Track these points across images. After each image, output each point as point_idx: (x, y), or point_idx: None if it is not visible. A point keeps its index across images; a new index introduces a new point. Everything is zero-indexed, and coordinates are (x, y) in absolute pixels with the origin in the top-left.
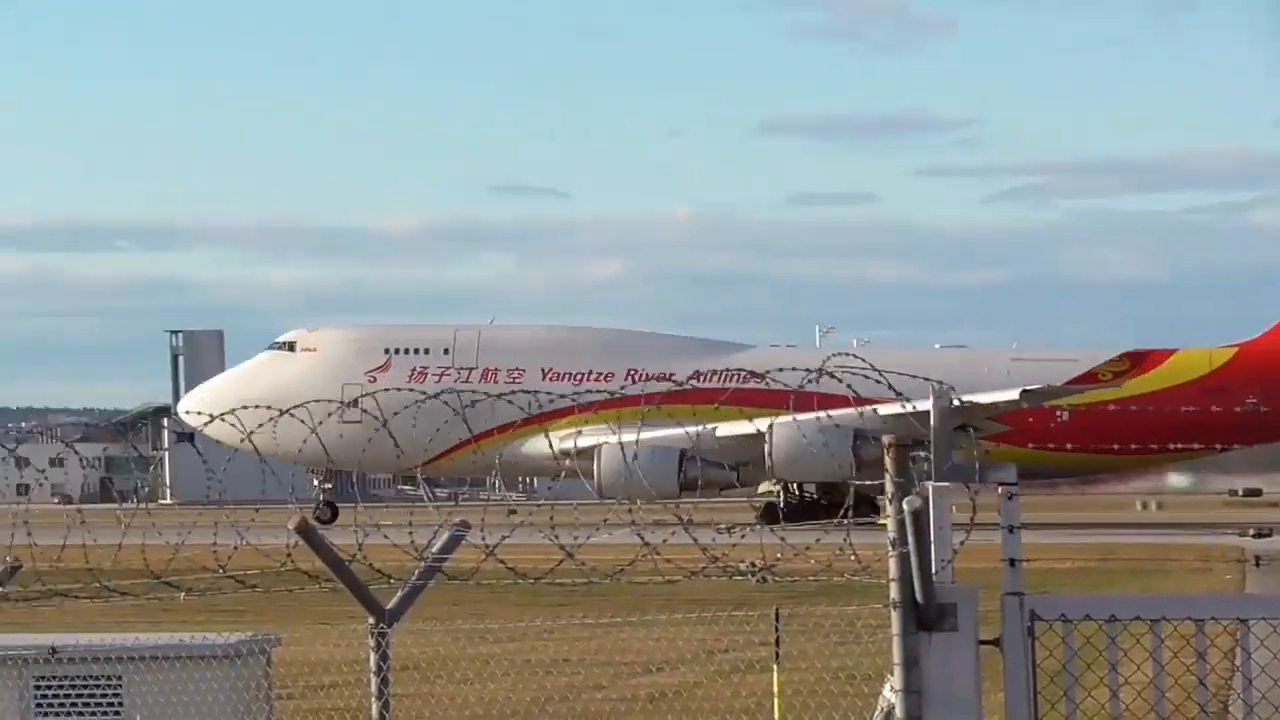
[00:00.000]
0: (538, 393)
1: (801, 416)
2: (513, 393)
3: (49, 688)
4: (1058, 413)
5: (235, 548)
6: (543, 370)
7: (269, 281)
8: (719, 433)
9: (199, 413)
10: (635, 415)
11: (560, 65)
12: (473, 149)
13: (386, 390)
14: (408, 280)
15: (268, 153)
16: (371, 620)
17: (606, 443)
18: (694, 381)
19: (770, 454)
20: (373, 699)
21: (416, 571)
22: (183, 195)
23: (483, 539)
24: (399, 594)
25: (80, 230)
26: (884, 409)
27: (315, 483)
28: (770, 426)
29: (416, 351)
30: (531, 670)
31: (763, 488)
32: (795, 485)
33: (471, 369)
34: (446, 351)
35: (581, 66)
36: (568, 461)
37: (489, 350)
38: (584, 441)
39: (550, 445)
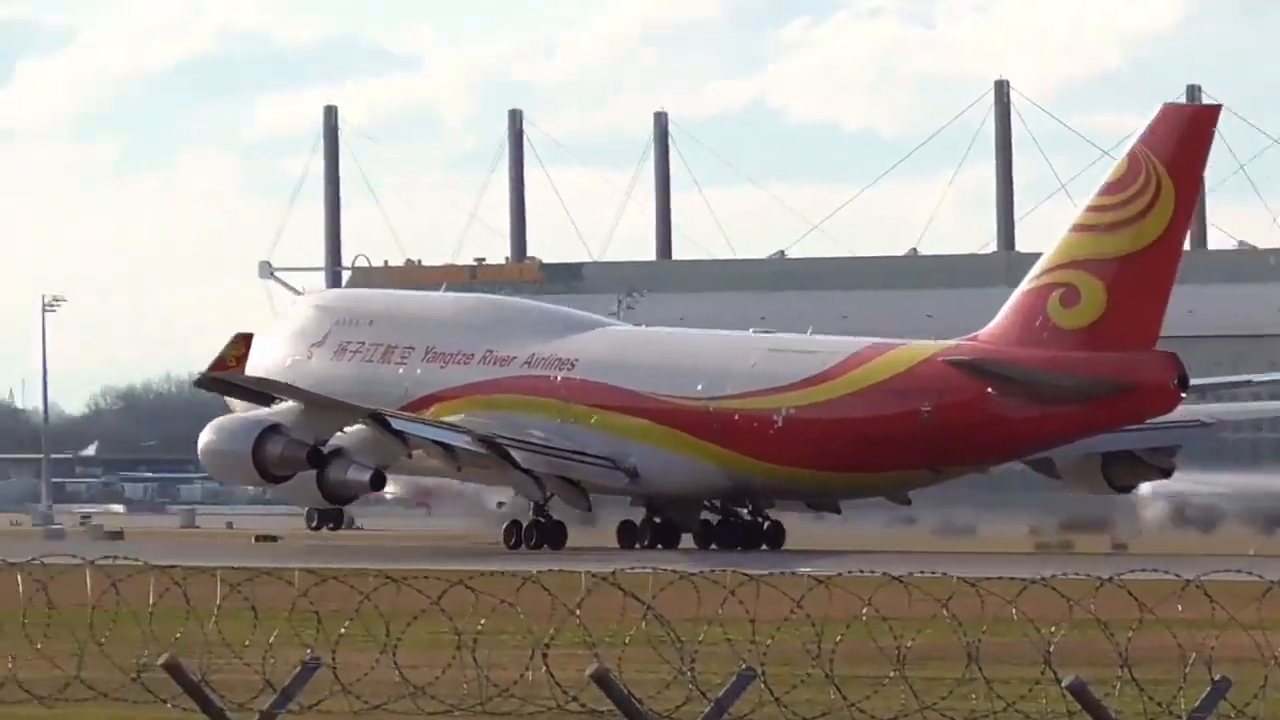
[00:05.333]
0: None
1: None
2: None
3: None
4: (774, 416)
5: None
6: (427, 349)
7: None
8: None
9: None
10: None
11: None
12: None
13: None
14: None
15: None
16: None
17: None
18: (526, 367)
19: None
20: None
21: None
22: None
23: None
24: None
25: None
26: (289, 404)
27: None
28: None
29: (355, 323)
30: None
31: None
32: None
33: (379, 345)
34: (372, 323)
35: None
36: None
37: (399, 325)
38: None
39: None
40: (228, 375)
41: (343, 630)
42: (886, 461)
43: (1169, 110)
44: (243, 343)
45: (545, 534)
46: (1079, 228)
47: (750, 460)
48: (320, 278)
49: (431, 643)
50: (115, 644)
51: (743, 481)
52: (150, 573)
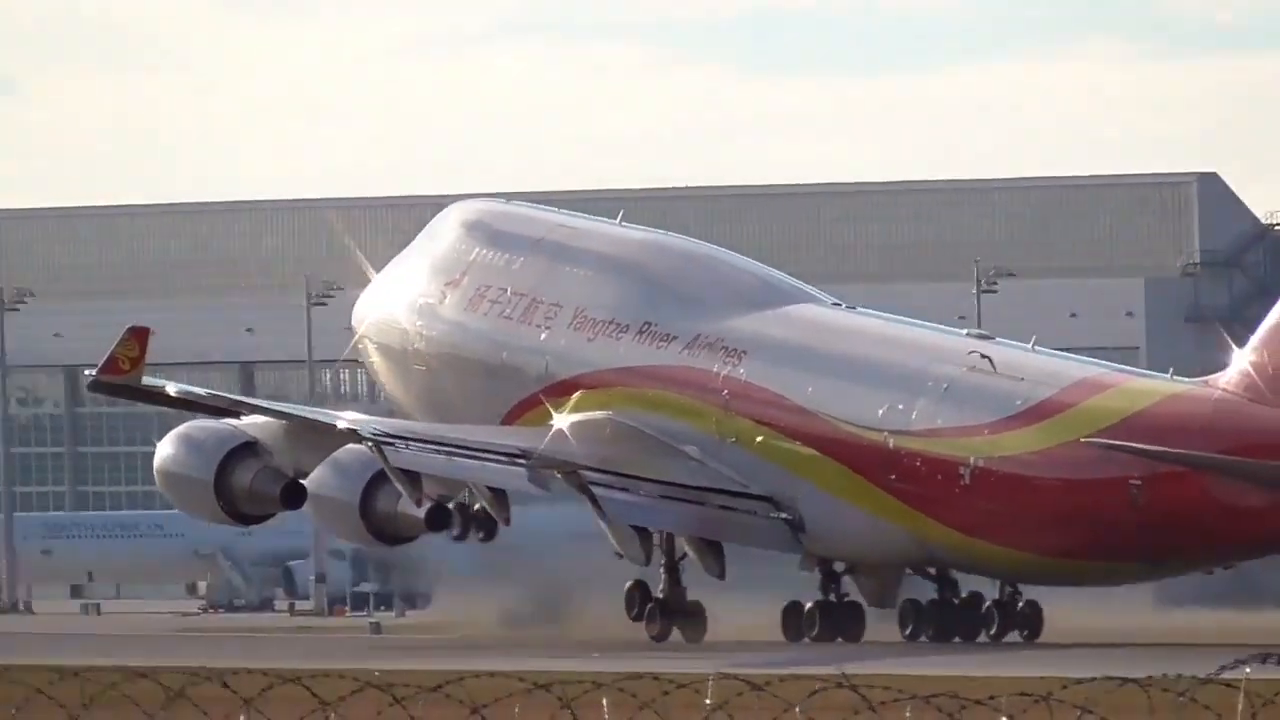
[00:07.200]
0: None
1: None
2: None
3: None
4: (961, 468)
5: None
6: (575, 311)
7: None
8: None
9: None
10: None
11: None
12: None
13: None
14: None
15: None
16: None
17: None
18: (688, 352)
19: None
20: None
21: None
22: None
23: None
24: None
25: None
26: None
27: None
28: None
29: (501, 257)
30: None
31: None
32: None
33: (522, 296)
34: (521, 261)
35: None
36: None
37: (549, 268)
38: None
39: None
40: (120, 380)
41: None
42: (1088, 548)
43: None
44: (136, 340)
45: (674, 613)
46: None
47: (934, 524)
48: None
49: None
50: None
51: (933, 552)
52: None
